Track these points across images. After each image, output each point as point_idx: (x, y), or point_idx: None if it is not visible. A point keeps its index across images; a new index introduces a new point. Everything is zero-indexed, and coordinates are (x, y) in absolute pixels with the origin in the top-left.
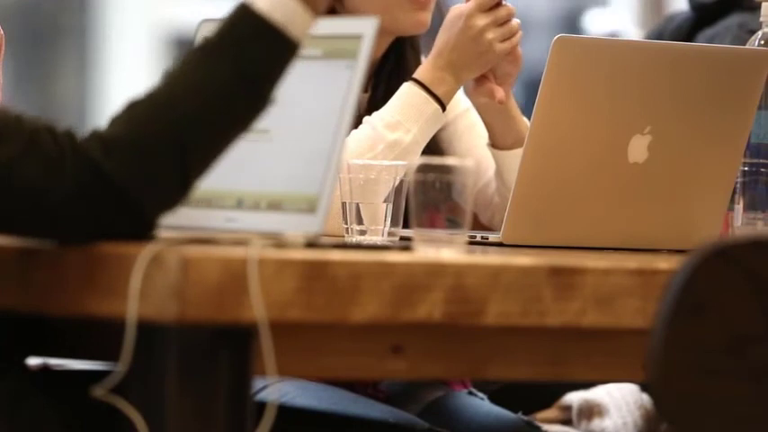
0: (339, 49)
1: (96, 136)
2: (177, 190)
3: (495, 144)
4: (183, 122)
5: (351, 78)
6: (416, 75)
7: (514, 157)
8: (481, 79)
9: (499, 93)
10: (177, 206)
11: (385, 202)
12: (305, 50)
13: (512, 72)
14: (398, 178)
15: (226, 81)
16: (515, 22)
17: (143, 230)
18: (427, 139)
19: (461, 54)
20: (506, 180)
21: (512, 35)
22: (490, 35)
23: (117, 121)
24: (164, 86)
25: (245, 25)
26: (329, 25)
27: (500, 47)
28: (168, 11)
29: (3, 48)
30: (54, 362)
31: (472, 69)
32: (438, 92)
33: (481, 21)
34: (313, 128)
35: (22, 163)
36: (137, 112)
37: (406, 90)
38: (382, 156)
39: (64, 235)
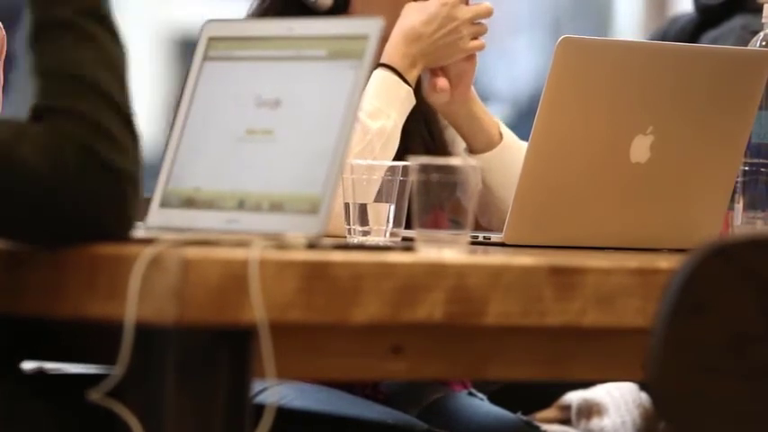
0: (344, 50)
1: (56, 131)
2: (137, 138)
3: (469, 148)
4: (95, 79)
5: (355, 79)
6: (388, 60)
7: (488, 160)
8: (433, 73)
9: (440, 81)
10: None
11: (388, 202)
12: (309, 51)
13: (467, 70)
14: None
15: (78, 26)
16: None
17: (137, 197)
18: (404, 120)
19: (436, 41)
20: (489, 184)
21: (481, 34)
22: (465, 30)
23: (50, 122)
24: (49, 72)
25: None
26: (333, 26)
27: (470, 44)
28: (172, 11)
29: (4, 48)
30: (50, 365)
31: (439, 59)
32: (409, 77)
33: (463, 13)
34: (316, 128)
35: (15, 146)
36: (57, 101)
37: (381, 77)
38: (371, 146)
39: (61, 224)
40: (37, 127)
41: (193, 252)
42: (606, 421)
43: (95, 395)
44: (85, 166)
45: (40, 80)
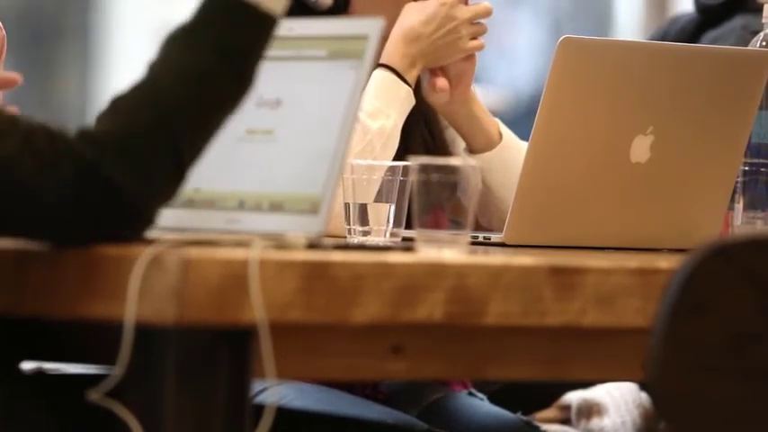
0: (344, 50)
1: (86, 135)
2: (173, 181)
3: (469, 148)
4: (170, 112)
5: (355, 79)
6: (387, 60)
7: (488, 160)
8: (432, 73)
9: (440, 81)
10: (174, 197)
11: (388, 202)
12: (309, 51)
13: (467, 70)
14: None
15: (207, 64)
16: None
17: (142, 226)
18: (403, 120)
19: (435, 41)
20: (489, 184)
21: (480, 34)
22: (464, 30)
23: (104, 117)
24: (147, 77)
25: (218, 5)
26: (334, 26)
27: (470, 44)
28: (171, 11)
29: (5, 48)
30: (50, 366)
31: (439, 59)
32: (408, 77)
33: (462, 13)
34: (317, 128)
35: (17, 162)
36: (124, 106)
37: (380, 77)
38: (372, 145)
39: (60, 236)
40: (45, 136)
41: (193, 252)
42: (606, 421)
43: (95, 395)
44: (83, 183)
45: (142, 75)
